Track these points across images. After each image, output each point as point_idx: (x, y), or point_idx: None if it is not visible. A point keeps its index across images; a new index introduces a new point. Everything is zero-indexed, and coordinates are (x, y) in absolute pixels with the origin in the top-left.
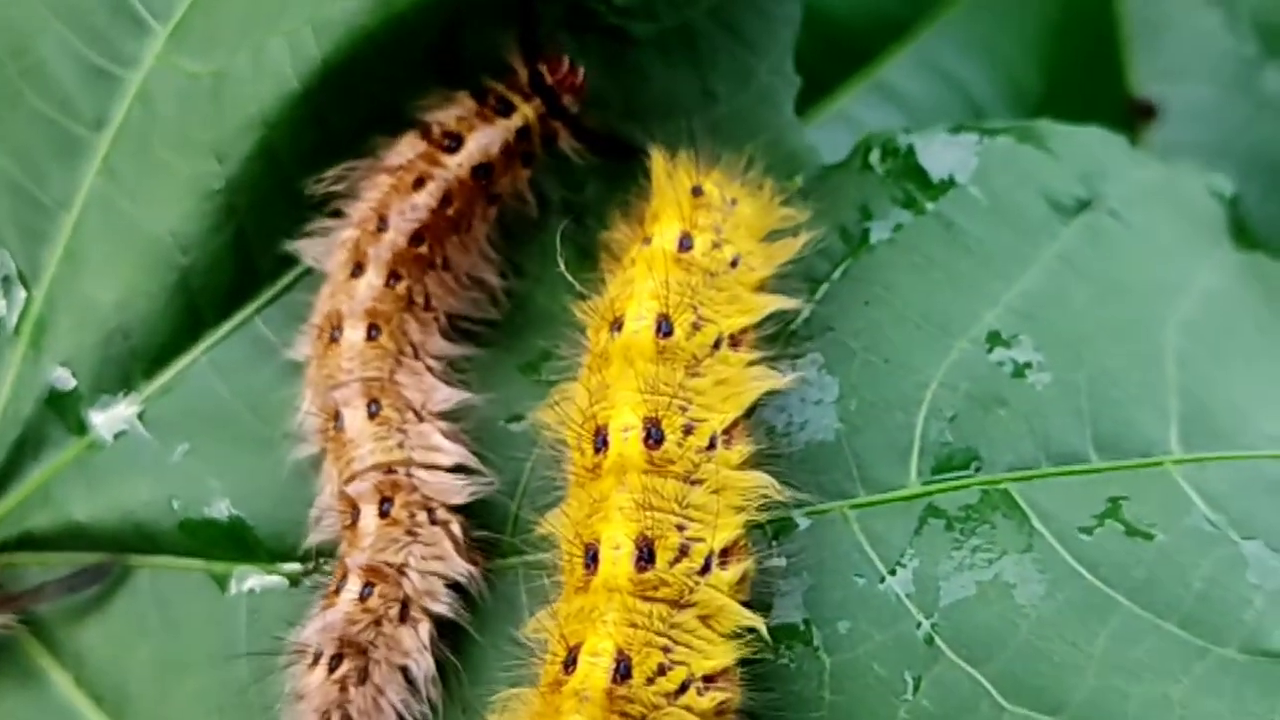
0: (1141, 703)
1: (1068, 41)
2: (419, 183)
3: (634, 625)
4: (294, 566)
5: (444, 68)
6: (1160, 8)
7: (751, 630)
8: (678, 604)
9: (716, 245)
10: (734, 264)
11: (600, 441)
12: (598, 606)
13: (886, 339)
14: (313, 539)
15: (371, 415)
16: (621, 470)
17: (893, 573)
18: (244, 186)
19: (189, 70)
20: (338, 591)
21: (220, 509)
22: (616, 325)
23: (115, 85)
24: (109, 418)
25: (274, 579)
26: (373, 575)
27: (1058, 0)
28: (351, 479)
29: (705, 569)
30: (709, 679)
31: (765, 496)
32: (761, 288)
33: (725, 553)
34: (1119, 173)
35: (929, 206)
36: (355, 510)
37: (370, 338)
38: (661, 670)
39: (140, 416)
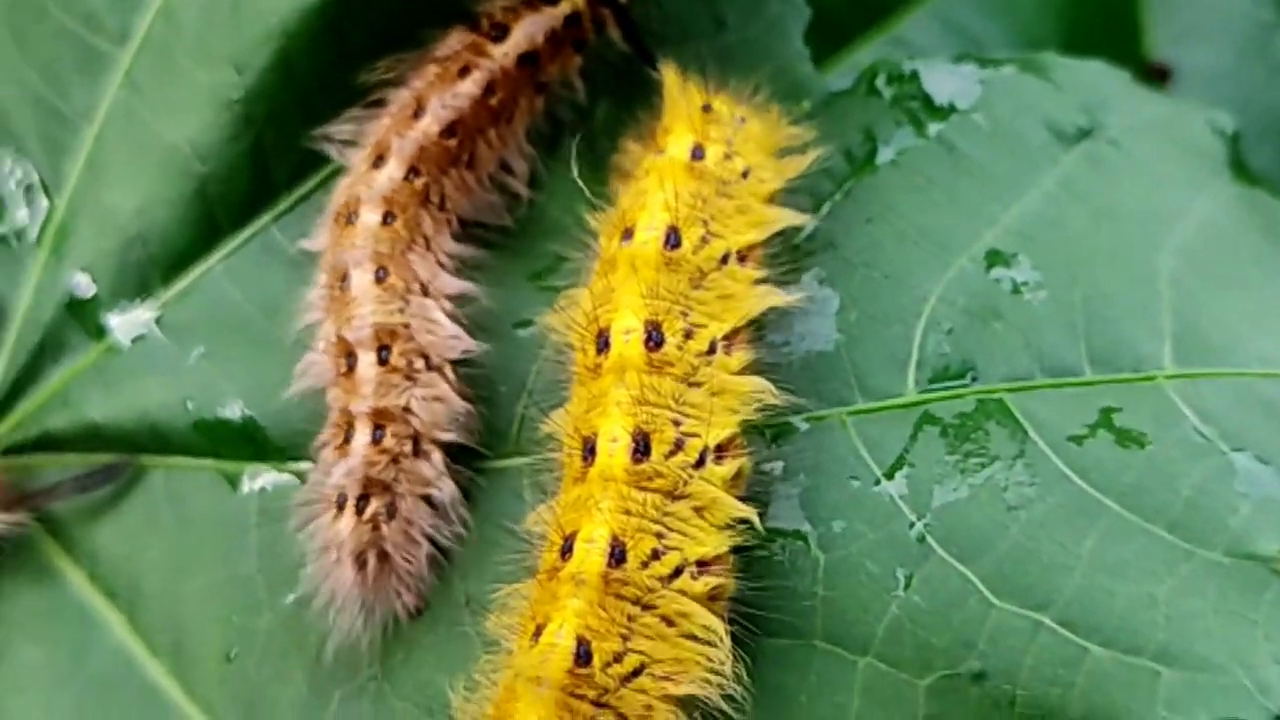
0: (1127, 600)
1: (1085, 2)
2: (464, 71)
3: (628, 513)
4: (305, 465)
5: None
6: None
7: (745, 522)
8: (672, 495)
9: (728, 156)
10: (745, 175)
11: (602, 343)
12: (594, 495)
13: (887, 255)
14: (297, 387)
15: (378, 280)
16: (621, 369)
17: (889, 476)
18: (261, 97)
19: None
20: (348, 440)
21: (234, 409)
22: (627, 234)
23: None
24: (127, 322)
25: (286, 477)
26: (381, 418)
27: None
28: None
29: (700, 463)
30: (703, 564)
31: (762, 401)
32: (771, 200)
33: (720, 449)
34: (1121, 105)
35: (932, 130)
36: (352, 357)
37: (385, 222)
38: (655, 555)
39: (157, 321)
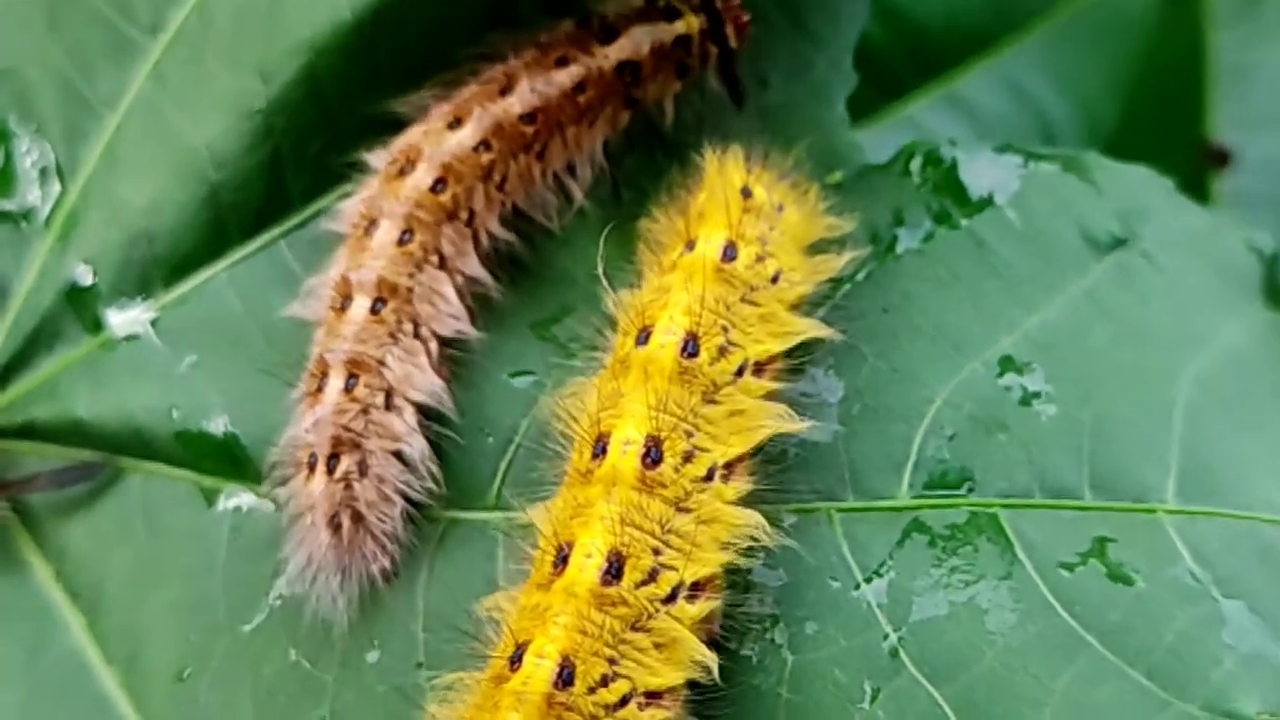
0: None
1: (1151, 77)
2: (561, 61)
3: (584, 633)
4: (283, 492)
5: (501, 22)
6: (1251, 55)
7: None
8: (634, 625)
9: (761, 258)
10: (775, 279)
11: (600, 448)
12: (553, 607)
13: (899, 348)
14: (290, 310)
15: (401, 241)
16: (612, 482)
17: (868, 581)
18: (284, 109)
19: None
20: (320, 390)
21: (218, 424)
22: (644, 335)
23: None
24: (124, 320)
25: (262, 502)
26: (355, 367)
27: (1147, 35)
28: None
29: (671, 598)
30: (653, 695)
31: (754, 537)
32: (797, 305)
33: (696, 586)
34: (1159, 215)
35: (963, 222)
36: (349, 299)
37: (435, 189)
38: (604, 681)
39: (154, 323)
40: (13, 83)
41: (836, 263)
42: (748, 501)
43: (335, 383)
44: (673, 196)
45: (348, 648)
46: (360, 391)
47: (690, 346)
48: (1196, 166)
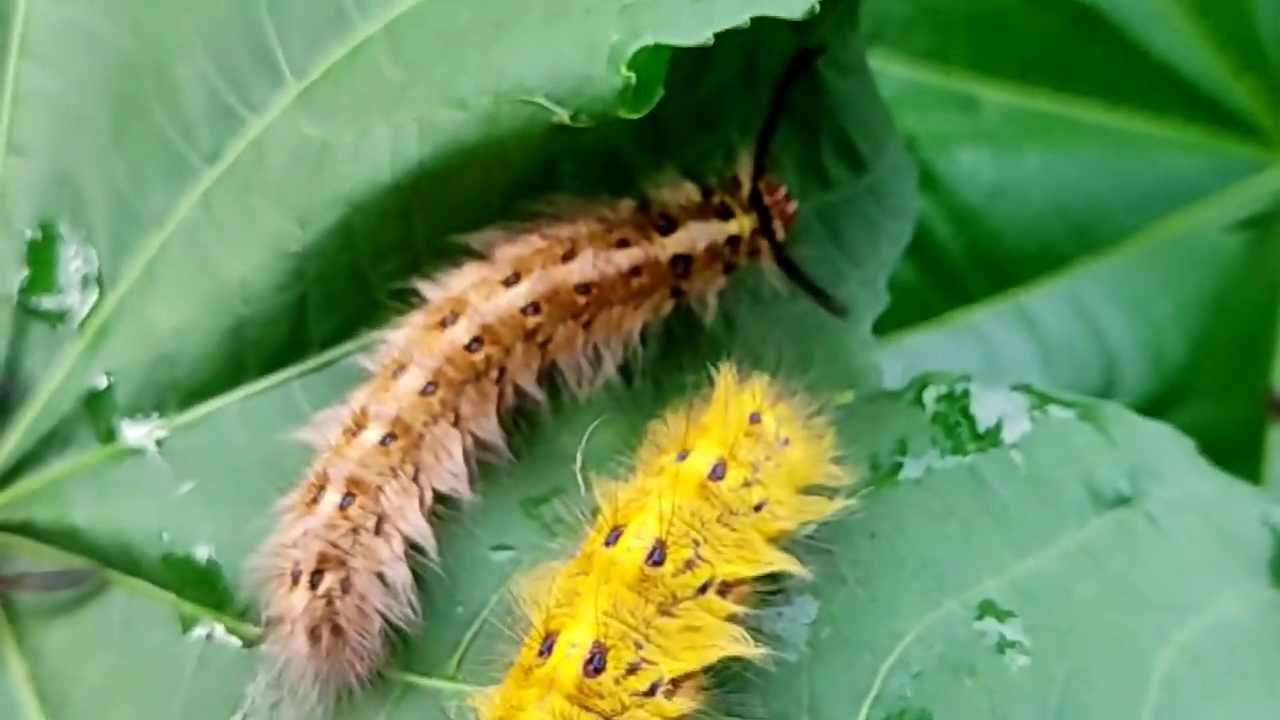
0: None
1: (1225, 317)
2: (622, 243)
3: None
4: (255, 630)
5: (538, 191)
6: None
7: None
8: None
9: (749, 484)
10: (759, 508)
11: (547, 646)
12: None
13: (880, 577)
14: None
15: (425, 391)
16: (549, 685)
17: None
18: (317, 256)
19: (305, 132)
20: (315, 501)
21: (203, 552)
22: (614, 535)
23: (238, 125)
24: (135, 435)
25: (230, 639)
26: (354, 486)
27: (1226, 274)
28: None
29: None
30: None
31: None
32: (777, 539)
33: None
34: (1173, 477)
35: (966, 458)
36: (362, 428)
37: (471, 347)
38: None
39: (161, 443)
40: (71, 188)
41: (826, 507)
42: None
43: (332, 497)
44: (686, 400)
45: None
46: (354, 511)
47: (657, 555)
48: (1259, 412)
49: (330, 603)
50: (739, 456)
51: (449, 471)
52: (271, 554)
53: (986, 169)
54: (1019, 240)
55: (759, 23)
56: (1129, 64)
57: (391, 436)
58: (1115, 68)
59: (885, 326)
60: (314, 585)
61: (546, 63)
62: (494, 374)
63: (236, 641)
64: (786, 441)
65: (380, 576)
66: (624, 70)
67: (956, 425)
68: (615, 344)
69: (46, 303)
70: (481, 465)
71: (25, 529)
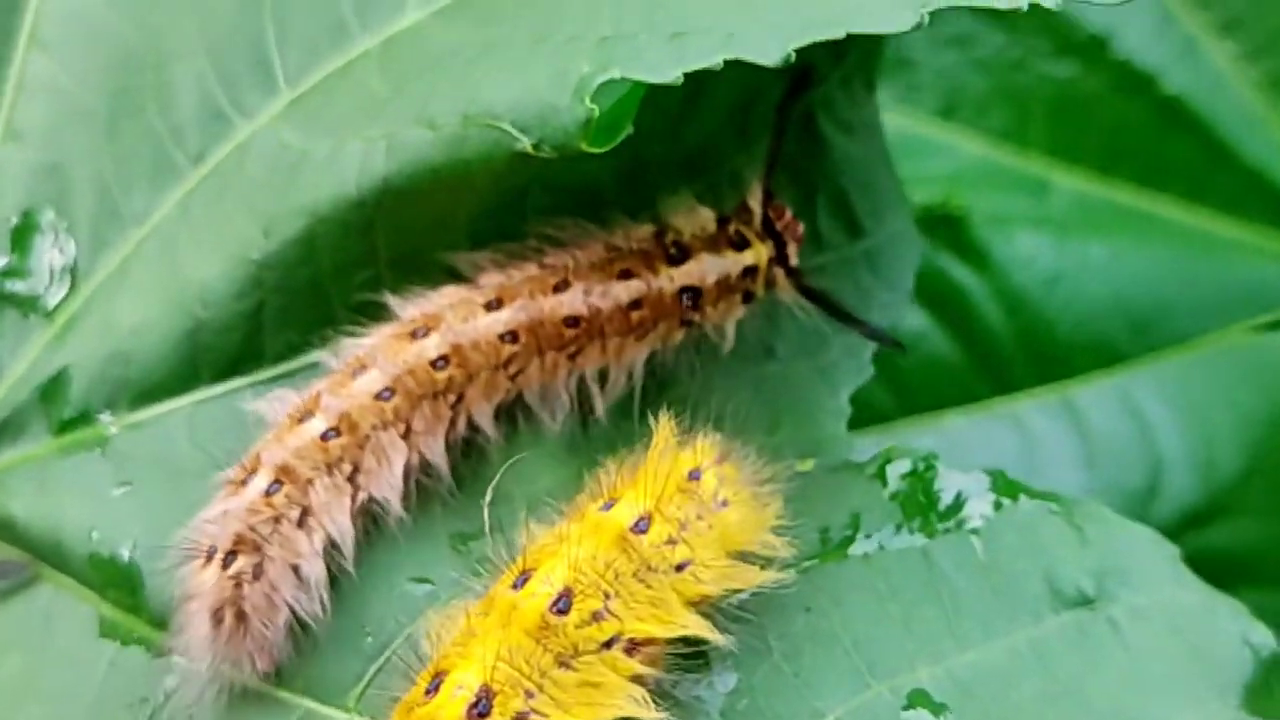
0: None
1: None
2: (624, 274)
3: None
4: (161, 638)
5: (505, 223)
6: None
7: None
8: None
9: (673, 542)
10: (680, 568)
11: (434, 685)
12: None
13: (807, 654)
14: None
15: (380, 395)
16: None
17: None
18: (277, 265)
19: (286, 140)
20: (244, 484)
21: (125, 554)
22: (522, 579)
23: (226, 129)
24: (84, 434)
25: (133, 649)
26: (284, 474)
27: None
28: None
29: None
30: None
31: None
32: (699, 603)
33: None
34: (1145, 583)
35: (921, 540)
36: (308, 415)
37: (438, 364)
38: None
39: (106, 441)
40: (60, 178)
41: (756, 577)
42: None
43: (259, 482)
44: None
45: None
46: (279, 499)
47: (562, 603)
48: None
49: (239, 585)
50: (666, 512)
51: (387, 481)
52: (194, 530)
53: (1046, 255)
54: (1072, 331)
55: (752, 77)
56: (1215, 163)
57: (335, 432)
58: (1199, 166)
59: (922, 405)
60: (225, 565)
61: (518, 89)
62: (452, 398)
63: (141, 653)
64: (725, 503)
65: (295, 570)
66: (588, 102)
67: (917, 504)
68: (616, 373)
69: (21, 289)
70: (420, 490)
71: None
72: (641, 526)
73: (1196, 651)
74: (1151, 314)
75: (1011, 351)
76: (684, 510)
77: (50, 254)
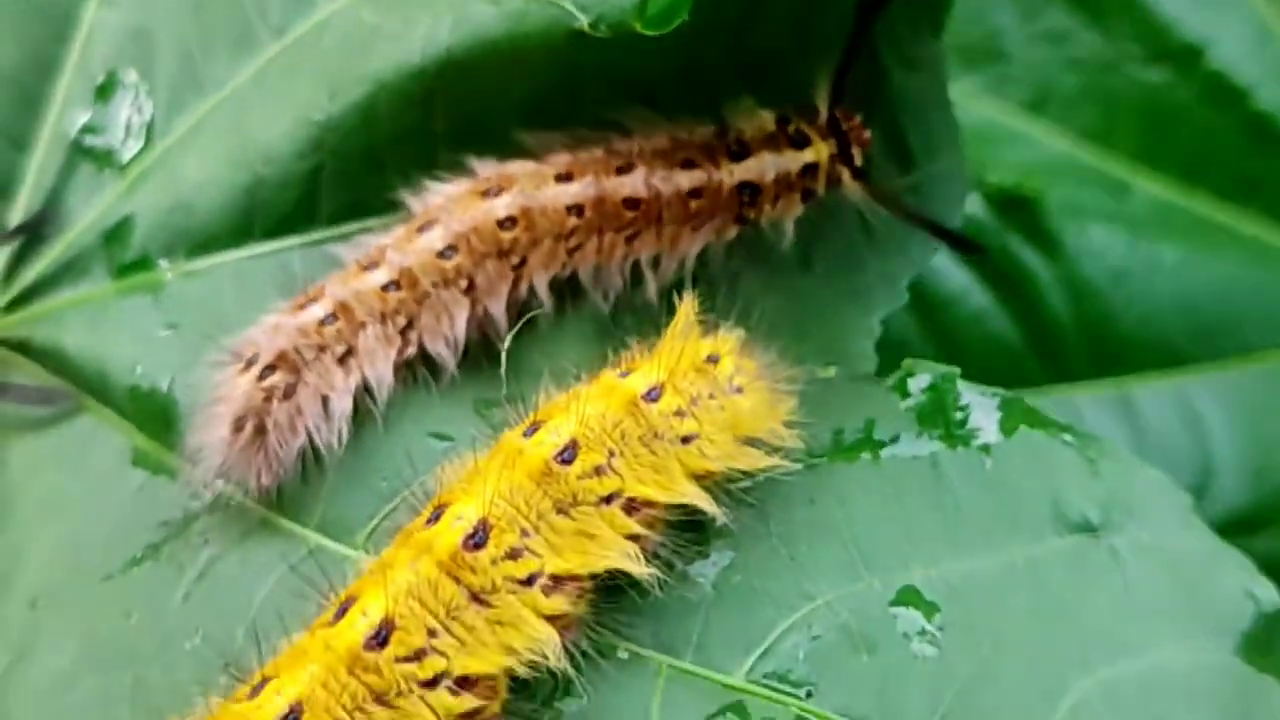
0: None
1: None
2: (687, 164)
3: (326, 689)
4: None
5: (559, 107)
6: None
7: None
8: (381, 699)
9: (681, 414)
10: (686, 440)
11: (435, 517)
12: (310, 653)
13: (805, 540)
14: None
15: (442, 253)
16: (424, 551)
17: None
18: (337, 129)
19: (363, 17)
20: (302, 308)
21: (164, 387)
22: (532, 429)
23: (309, 7)
24: (140, 278)
25: (159, 478)
26: (342, 311)
27: None
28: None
29: (432, 684)
30: None
31: (544, 656)
32: (703, 478)
33: (466, 681)
34: (1154, 523)
35: (931, 451)
36: (375, 265)
37: (443, 255)
38: None
39: (161, 287)
40: (144, 42)
41: (760, 461)
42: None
43: (316, 311)
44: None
45: (174, 629)
46: (329, 332)
47: (567, 454)
48: None
49: (269, 399)
50: (679, 385)
51: (443, 335)
52: (239, 340)
53: (1118, 250)
54: (1135, 328)
55: None
56: None
57: (395, 285)
58: None
59: (976, 382)
60: (262, 377)
61: None
62: (515, 259)
63: (173, 480)
64: (739, 389)
65: (325, 401)
66: None
67: (932, 417)
68: (668, 261)
69: (98, 143)
70: (477, 346)
71: (23, 347)
72: (653, 395)
73: (1195, 592)
74: (1216, 322)
75: (1072, 340)
76: (697, 387)
77: (129, 112)
